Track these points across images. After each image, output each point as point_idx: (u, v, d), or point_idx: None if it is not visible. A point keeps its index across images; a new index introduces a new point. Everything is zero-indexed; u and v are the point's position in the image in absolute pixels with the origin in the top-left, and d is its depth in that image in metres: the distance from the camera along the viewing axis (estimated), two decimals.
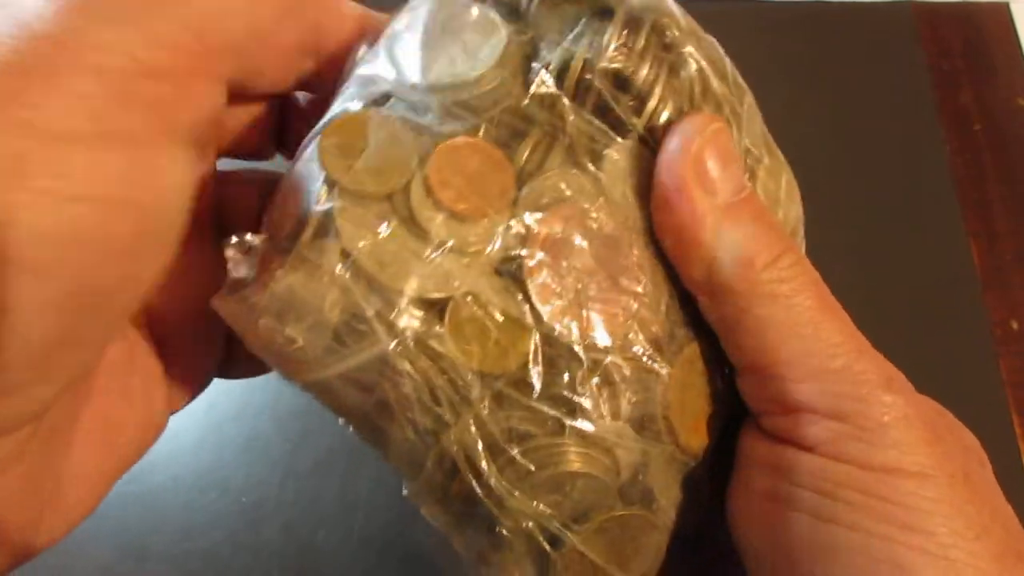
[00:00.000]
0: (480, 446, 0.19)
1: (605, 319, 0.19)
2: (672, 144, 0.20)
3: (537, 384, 0.19)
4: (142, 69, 0.15)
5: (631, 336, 0.20)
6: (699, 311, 0.21)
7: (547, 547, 0.20)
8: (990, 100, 0.57)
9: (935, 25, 0.60)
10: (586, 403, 0.19)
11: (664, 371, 0.20)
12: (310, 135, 0.19)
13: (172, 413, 0.23)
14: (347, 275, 0.18)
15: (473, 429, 0.19)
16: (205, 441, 0.45)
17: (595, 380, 0.19)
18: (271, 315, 0.18)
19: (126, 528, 0.42)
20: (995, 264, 0.51)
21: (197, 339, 0.22)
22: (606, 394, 0.19)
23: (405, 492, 0.21)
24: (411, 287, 0.18)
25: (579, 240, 0.19)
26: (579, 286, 0.19)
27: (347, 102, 0.19)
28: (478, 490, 0.19)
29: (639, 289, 0.20)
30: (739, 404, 0.22)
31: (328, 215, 0.18)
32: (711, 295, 0.20)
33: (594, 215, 0.20)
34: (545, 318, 0.19)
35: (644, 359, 0.20)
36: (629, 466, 0.20)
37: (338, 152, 0.18)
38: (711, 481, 0.22)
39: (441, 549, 0.43)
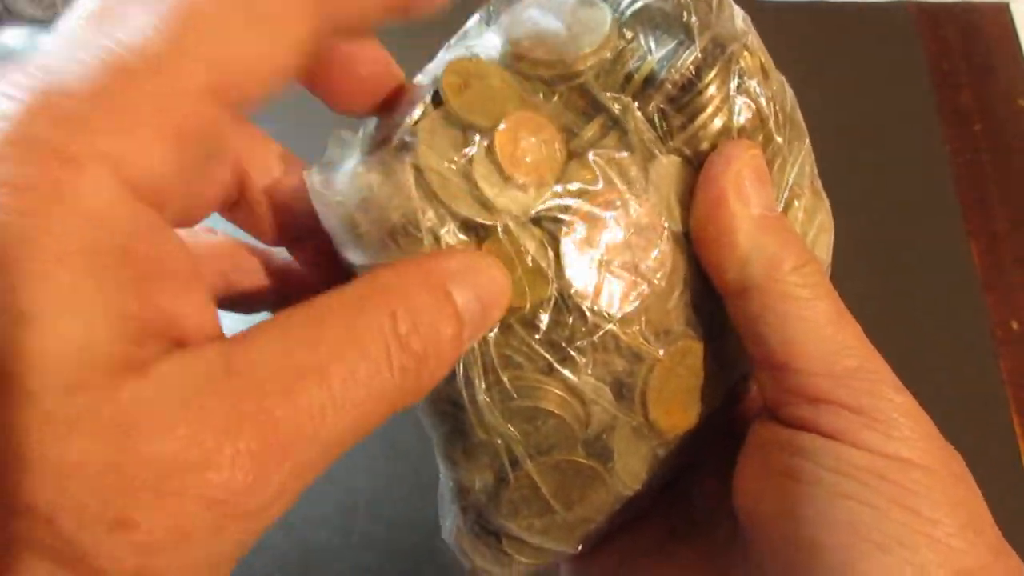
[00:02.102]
0: (479, 362, 0.21)
1: (618, 292, 0.22)
2: (716, 162, 0.22)
3: (542, 327, 0.21)
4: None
5: (636, 315, 0.22)
6: (704, 319, 0.23)
7: (507, 465, 0.23)
8: (990, 100, 0.57)
9: (935, 25, 0.60)
10: (578, 357, 0.22)
11: (654, 354, 0.22)
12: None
13: None
14: (414, 187, 0.21)
15: (477, 346, 0.21)
16: None
17: (593, 340, 0.22)
18: (346, 198, 0.21)
19: None
20: (995, 264, 0.52)
21: None
22: (598, 355, 0.22)
23: None
24: (462, 210, 0.21)
25: (615, 221, 0.22)
26: (605, 258, 0.22)
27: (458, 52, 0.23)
28: (465, 398, 0.22)
29: (656, 279, 0.22)
30: (722, 410, 0.24)
31: (415, 133, 0.21)
32: (740, 293, 0.22)
33: (634, 205, 0.22)
34: (566, 275, 0.21)
35: (640, 338, 0.22)
36: (599, 423, 0.23)
37: (455, 83, 0.21)
38: (674, 465, 0.24)
39: (441, 550, 0.43)
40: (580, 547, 0.25)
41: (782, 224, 0.22)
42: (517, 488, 0.23)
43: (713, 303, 0.23)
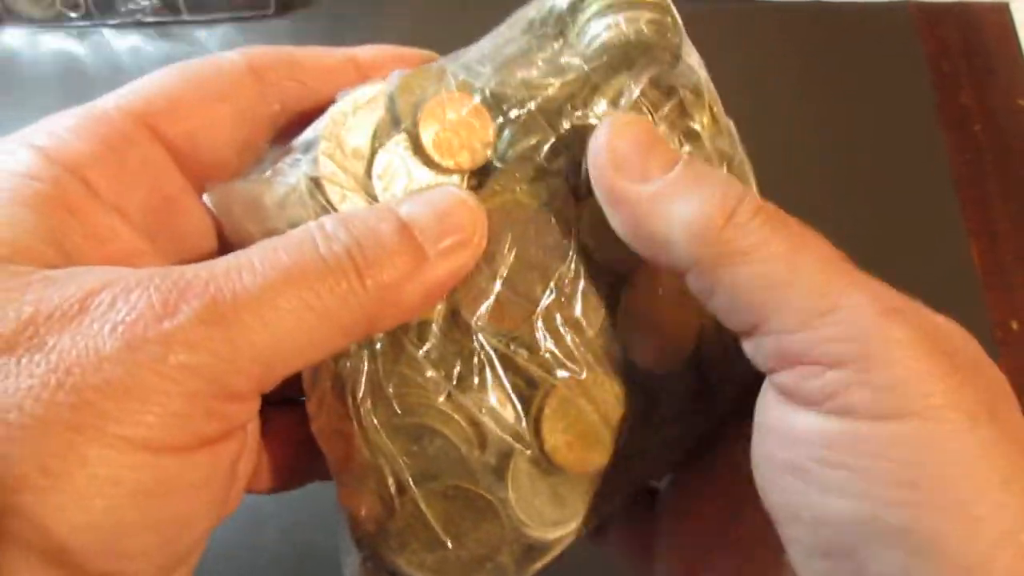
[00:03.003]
0: (364, 377, 0.21)
1: (518, 312, 0.21)
2: (592, 154, 0.20)
3: (431, 342, 0.21)
4: (221, 392, 0.17)
5: (540, 338, 0.21)
6: (625, 359, 0.22)
7: (392, 491, 0.21)
8: (990, 100, 0.57)
9: (935, 25, 0.60)
10: (467, 374, 0.21)
11: (548, 380, 0.21)
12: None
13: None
14: (308, 198, 0.21)
15: (366, 361, 0.21)
16: None
17: (486, 357, 0.21)
18: (240, 207, 0.21)
19: None
20: (995, 264, 0.51)
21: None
22: (490, 373, 0.21)
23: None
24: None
25: (519, 235, 0.21)
26: (504, 274, 0.21)
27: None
28: (352, 414, 0.21)
29: (575, 308, 0.21)
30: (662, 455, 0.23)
31: (315, 144, 0.21)
32: (685, 275, 0.20)
33: (539, 223, 0.21)
34: (458, 289, 0.21)
35: (542, 360, 0.21)
36: (496, 450, 0.21)
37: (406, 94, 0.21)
38: (584, 504, 0.23)
39: None
40: None
41: (691, 177, 0.19)
42: (403, 517, 0.22)
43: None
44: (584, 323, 0.21)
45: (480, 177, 0.22)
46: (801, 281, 0.18)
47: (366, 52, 0.24)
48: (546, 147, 0.21)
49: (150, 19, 0.56)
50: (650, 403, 0.22)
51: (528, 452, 0.21)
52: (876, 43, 0.59)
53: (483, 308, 0.21)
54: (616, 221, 0.20)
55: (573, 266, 0.21)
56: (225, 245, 0.23)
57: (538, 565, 0.23)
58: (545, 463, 0.22)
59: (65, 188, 0.19)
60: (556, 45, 0.22)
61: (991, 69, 0.58)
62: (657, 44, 0.22)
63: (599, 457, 0.22)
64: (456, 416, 0.21)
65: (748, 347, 0.20)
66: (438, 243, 0.19)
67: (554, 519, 0.22)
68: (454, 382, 0.21)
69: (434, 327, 0.21)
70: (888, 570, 0.17)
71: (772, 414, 0.19)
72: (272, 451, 0.24)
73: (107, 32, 0.56)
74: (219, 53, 0.23)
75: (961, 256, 0.51)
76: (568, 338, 0.21)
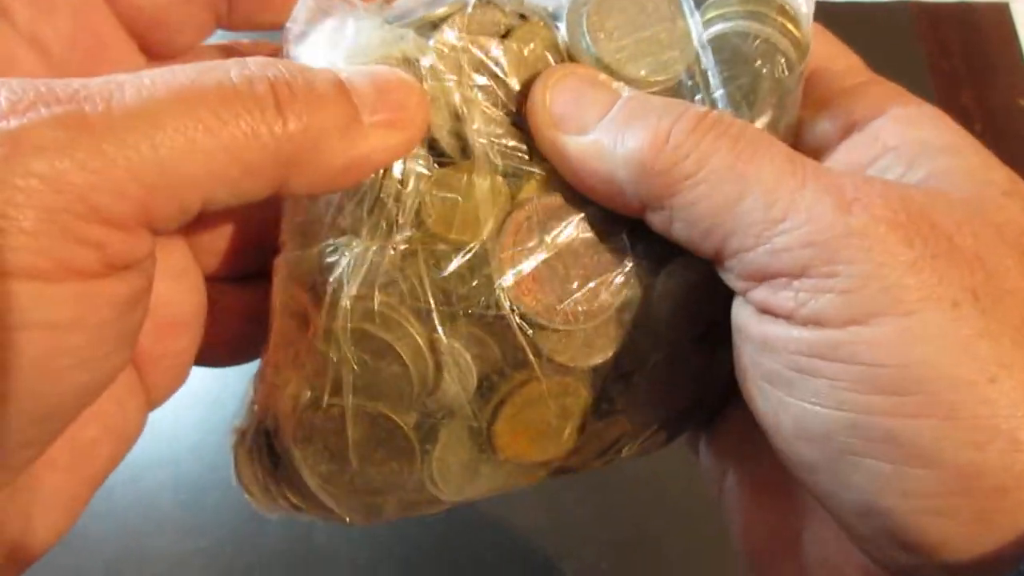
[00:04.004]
0: (363, 266, 0.19)
1: (547, 298, 0.20)
2: (528, 112, 0.19)
3: (444, 272, 0.19)
4: (88, 213, 0.15)
5: (549, 328, 0.20)
6: (613, 383, 0.21)
7: (328, 388, 0.20)
8: (990, 100, 0.57)
9: (935, 25, 0.60)
10: (461, 322, 0.20)
11: (538, 374, 0.20)
12: None
13: (153, 408, 0.22)
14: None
15: (368, 250, 0.19)
16: (206, 442, 0.45)
17: (490, 319, 0.20)
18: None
19: (127, 529, 0.42)
20: None
21: (176, 340, 0.22)
22: (485, 335, 0.20)
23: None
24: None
25: (567, 220, 0.20)
26: (553, 251, 0.20)
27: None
28: (324, 301, 0.20)
29: (593, 311, 0.20)
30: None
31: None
32: (644, 212, 0.19)
33: (585, 217, 0.20)
34: (499, 251, 0.19)
35: (538, 350, 0.20)
36: (441, 402, 0.20)
37: None
38: (495, 485, 0.22)
39: (441, 548, 0.43)
40: (350, 519, 0.22)
41: (626, 116, 0.18)
42: (325, 417, 0.20)
43: (640, 376, 0.21)
44: (595, 341, 0.20)
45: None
46: (749, 190, 0.17)
47: None
48: None
49: None
50: (609, 417, 0.22)
51: (473, 424, 0.21)
52: (876, 43, 0.59)
53: (511, 274, 0.19)
54: (566, 175, 0.19)
55: (618, 283, 0.20)
56: None
57: (412, 514, 0.23)
58: (483, 441, 0.21)
59: None
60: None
61: (991, 69, 0.58)
62: None
63: (537, 455, 0.21)
64: (428, 356, 0.20)
65: (721, 274, 0.19)
66: (374, 114, 0.17)
67: (461, 488, 0.22)
68: (445, 325, 0.20)
69: (456, 260, 0.19)
70: (869, 481, 0.16)
71: (747, 324, 0.18)
72: (227, 324, 0.23)
73: None
74: None
75: None
76: (575, 341, 0.20)
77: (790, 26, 0.20)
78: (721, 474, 0.25)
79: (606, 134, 0.18)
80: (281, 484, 0.22)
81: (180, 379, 0.23)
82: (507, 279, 0.19)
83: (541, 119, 0.19)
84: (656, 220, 0.19)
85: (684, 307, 0.21)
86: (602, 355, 0.20)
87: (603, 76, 0.20)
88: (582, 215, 0.20)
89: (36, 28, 0.19)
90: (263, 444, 0.22)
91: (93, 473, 0.21)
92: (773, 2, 0.21)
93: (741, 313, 0.19)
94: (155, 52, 0.22)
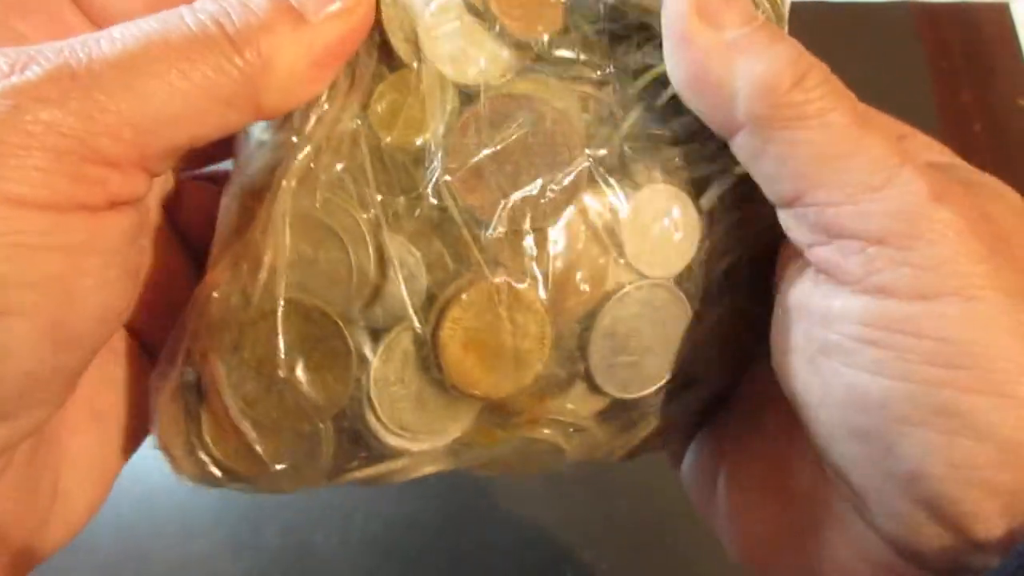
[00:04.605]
0: (301, 157, 0.19)
1: (489, 192, 0.19)
2: None
3: (390, 164, 0.19)
4: (89, 154, 0.16)
5: (494, 227, 0.19)
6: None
7: (261, 281, 0.19)
8: (990, 100, 0.57)
9: (935, 25, 0.60)
10: (407, 215, 0.19)
11: (487, 275, 0.19)
12: None
13: None
14: None
15: (309, 147, 0.19)
16: None
17: (434, 213, 0.19)
18: None
19: (127, 530, 0.42)
20: None
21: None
22: (430, 230, 0.19)
23: None
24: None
25: (530, 123, 0.19)
26: (497, 147, 0.19)
27: None
28: (271, 186, 0.19)
29: (549, 221, 0.19)
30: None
31: None
32: (738, 133, 0.19)
33: (559, 124, 0.19)
34: (444, 146, 0.19)
35: (484, 248, 0.19)
36: (387, 309, 0.19)
37: None
38: (445, 432, 0.20)
39: (440, 552, 0.43)
40: (276, 469, 0.20)
41: (765, 34, 0.19)
42: (254, 313, 0.19)
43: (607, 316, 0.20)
44: (550, 240, 0.19)
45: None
46: (858, 155, 0.18)
47: None
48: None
49: None
50: (575, 365, 0.20)
51: (417, 331, 0.19)
52: (876, 43, 0.59)
53: (454, 168, 0.19)
54: (681, 66, 0.19)
55: (570, 181, 0.19)
56: None
57: (358, 474, 0.21)
58: (430, 356, 0.19)
59: None
60: None
61: (991, 69, 0.58)
62: None
63: (488, 385, 0.20)
64: (369, 244, 0.19)
65: (786, 217, 0.19)
66: (318, 10, 0.18)
67: (403, 422, 0.20)
68: (390, 219, 0.19)
69: (402, 155, 0.19)
70: (919, 450, 0.17)
71: (807, 294, 0.19)
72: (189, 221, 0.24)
73: None
74: None
75: None
76: (525, 242, 0.19)
77: None
78: (712, 479, 0.25)
79: (743, 43, 0.18)
80: (202, 434, 0.20)
81: None
82: (449, 174, 0.19)
83: (690, 12, 0.19)
84: (745, 144, 0.19)
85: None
86: (556, 253, 0.19)
87: None
88: (534, 118, 0.19)
89: (14, 24, 0.20)
90: (188, 386, 0.20)
91: (117, 441, 0.22)
92: None
93: (800, 289, 0.19)
94: None
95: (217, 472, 0.21)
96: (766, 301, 0.21)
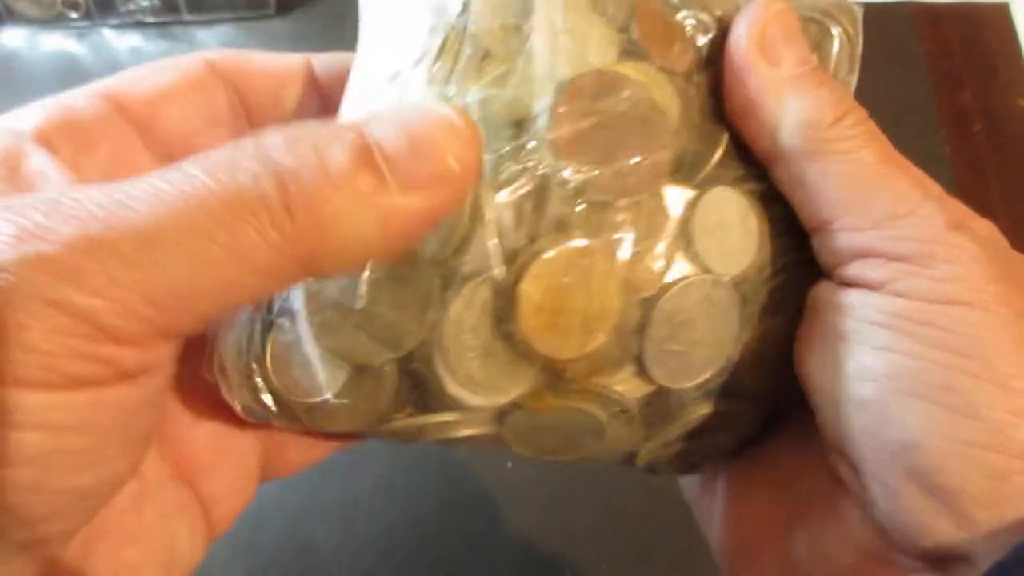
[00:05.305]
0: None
1: (598, 150, 0.20)
2: (739, 26, 0.21)
3: (497, 125, 0.20)
4: (99, 335, 0.15)
5: (601, 193, 0.20)
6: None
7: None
8: (990, 100, 0.57)
9: (935, 25, 0.60)
10: (509, 165, 0.19)
11: (581, 240, 0.20)
12: None
13: (215, 534, 0.22)
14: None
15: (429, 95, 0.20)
16: None
17: (538, 168, 0.20)
18: None
19: None
20: None
21: (224, 457, 0.22)
22: (530, 188, 0.20)
23: None
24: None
25: (621, 94, 0.20)
26: (589, 116, 0.20)
27: None
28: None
29: (653, 202, 0.20)
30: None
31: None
32: (777, 160, 0.21)
33: (647, 105, 0.20)
34: (548, 112, 0.20)
35: (586, 213, 0.20)
36: (471, 256, 0.19)
37: None
38: (512, 391, 0.21)
39: (441, 551, 0.43)
40: (334, 397, 0.20)
41: (815, 77, 0.21)
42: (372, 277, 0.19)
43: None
44: (631, 217, 0.20)
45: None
46: (884, 187, 0.20)
47: (322, 59, 0.25)
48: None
49: (150, 19, 0.56)
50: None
51: (498, 282, 0.19)
52: (876, 43, 0.59)
53: (555, 132, 0.19)
54: (737, 93, 0.21)
55: (656, 166, 0.20)
56: None
57: (406, 423, 0.21)
58: (506, 308, 0.20)
59: (17, 149, 0.19)
60: None
61: (991, 69, 0.58)
62: None
63: (553, 344, 0.20)
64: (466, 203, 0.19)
65: (817, 243, 0.21)
66: (407, 173, 0.16)
67: (469, 373, 0.20)
68: (488, 168, 0.19)
69: (500, 112, 0.20)
70: (917, 420, 0.18)
71: (828, 294, 0.21)
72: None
73: (107, 32, 0.56)
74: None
75: None
76: (610, 214, 0.20)
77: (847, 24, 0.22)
78: (709, 482, 0.26)
79: (795, 82, 0.20)
80: (264, 360, 0.20)
81: (245, 490, 0.23)
82: (550, 135, 0.19)
83: (751, 35, 0.21)
84: (784, 172, 0.21)
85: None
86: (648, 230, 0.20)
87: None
88: (638, 95, 0.20)
89: (78, 161, 0.20)
90: (258, 309, 0.20)
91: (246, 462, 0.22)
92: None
93: (823, 288, 0.21)
94: None
95: (269, 400, 0.21)
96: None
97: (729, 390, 0.22)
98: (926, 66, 0.58)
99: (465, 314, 0.20)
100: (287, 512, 0.43)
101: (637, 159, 0.20)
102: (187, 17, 0.56)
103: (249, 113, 0.24)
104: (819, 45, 0.22)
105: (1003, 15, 0.60)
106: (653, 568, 0.43)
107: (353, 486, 0.43)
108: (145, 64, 0.23)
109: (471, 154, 0.17)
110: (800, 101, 0.20)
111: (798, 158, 0.20)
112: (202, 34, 0.57)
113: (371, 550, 0.42)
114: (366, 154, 0.16)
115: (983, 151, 0.55)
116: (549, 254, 0.19)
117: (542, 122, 0.20)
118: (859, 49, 0.23)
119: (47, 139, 0.20)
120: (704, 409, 0.23)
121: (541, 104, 0.20)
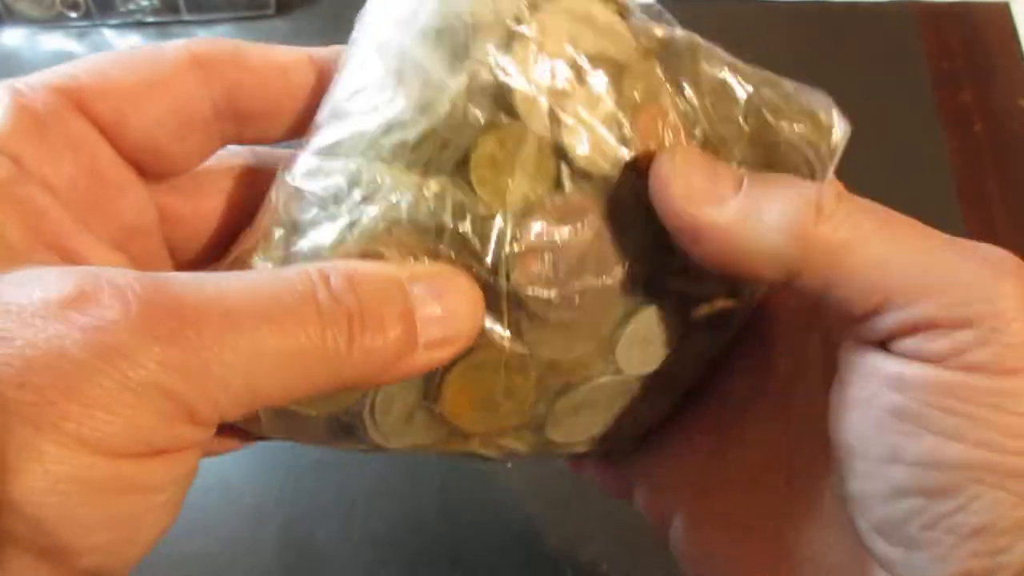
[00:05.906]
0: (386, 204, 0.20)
1: (542, 267, 0.20)
2: (661, 193, 0.20)
3: (462, 220, 0.20)
4: (185, 416, 0.17)
5: (530, 298, 0.21)
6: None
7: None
8: (990, 100, 0.57)
9: (935, 25, 0.60)
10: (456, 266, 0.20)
11: (502, 337, 0.21)
12: None
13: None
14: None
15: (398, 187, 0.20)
16: None
17: (478, 268, 0.20)
18: None
19: None
20: None
21: None
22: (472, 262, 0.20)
23: None
24: None
25: (587, 220, 0.20)
26: (554, 234, 0.20)
27: None
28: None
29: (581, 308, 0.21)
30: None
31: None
32: (792, 282, 0.20)
33: (611, 222, 0.21)
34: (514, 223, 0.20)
35: (512, 303, 0.21)
36: None
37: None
38: (421, 440, 0.23)
39: (441, 551, 0.43)
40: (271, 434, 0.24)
41: (762, 187, 0.19)
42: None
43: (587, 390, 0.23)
44: (559, 326, 0.21)
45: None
46: (903, 254, 0.19)
47: (323, 51, 0.23)
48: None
49: (150, 19, 0.56)
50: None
51: (418, 392, 0.22)
52: (876, 43, 0.59)
53: (519, 245, 0.20)
54: (704, 253, 0.20)
55: (599, 289, 0.21)
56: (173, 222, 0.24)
57: (328, 439, 0.24)
58: (431, 387, 0.22)
59: None
60: None
61: (991, 69, 0.58)
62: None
63: (469, 422, 0.23)
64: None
65: (867, 328, 0.20)
66: (431, 334, 0.19)
67: (393, 428, 0.23)
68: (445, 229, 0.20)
69: (473, 217, 0.20)
70: (993, 509, 0.18)
71: (878, 364, 0.19)
72: None
73: (107, 32, 0.56)
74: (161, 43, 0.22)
75: None
76: (540, 324, 0.21)
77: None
78: (665, 520, 0.26)
79: (750, 205, 0.19)
80: None
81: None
82: (514, 248, 0.20)
83: (676, 194, 0.19)
84: (809, 283, 0.19)
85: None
86: (575, 348, 0.22)
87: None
88: (608, 222, 0.21)
89: (44, 173, 0.20)
90: None
91: None
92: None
93: (866, 355, 0.20)
94: (155, 176, 0.23)
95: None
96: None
97: (613, 434, 0.25)
98: (926, 66, 0.58)
99: (397, 387, 0.22)
100: (287, 512, 0.43)
101: (591, 282, 0.21)
102: (187, 17, 0.56)
103: (240, 110, 0.23)
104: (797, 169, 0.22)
105: (1003, 15, 0.60)
106: (653, 568, 0.43)
107: (352, 486, 0.43)
108: (116, 53, 0.22)
109: (478, 320, 0.20)
110: (770, 217, 0.19)
111: (813, 269, 0.19)
112: (202, 34, 0.57)
113: (372, 548, 0.42)
114: (409, 315, 0.19)
115: (983, 151, 0.55)
116: (477, 356, 0.21)
117: (508, 230, 0.20)
118: (832, 164, 0.23)
119: (14, 150, 0.20)
120: (588, 446, 0.25)
121: (497, 220, 0.20)
